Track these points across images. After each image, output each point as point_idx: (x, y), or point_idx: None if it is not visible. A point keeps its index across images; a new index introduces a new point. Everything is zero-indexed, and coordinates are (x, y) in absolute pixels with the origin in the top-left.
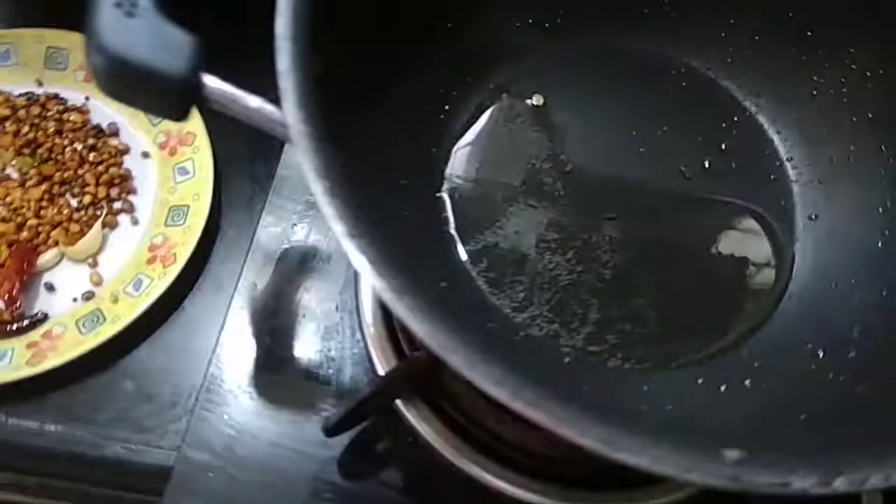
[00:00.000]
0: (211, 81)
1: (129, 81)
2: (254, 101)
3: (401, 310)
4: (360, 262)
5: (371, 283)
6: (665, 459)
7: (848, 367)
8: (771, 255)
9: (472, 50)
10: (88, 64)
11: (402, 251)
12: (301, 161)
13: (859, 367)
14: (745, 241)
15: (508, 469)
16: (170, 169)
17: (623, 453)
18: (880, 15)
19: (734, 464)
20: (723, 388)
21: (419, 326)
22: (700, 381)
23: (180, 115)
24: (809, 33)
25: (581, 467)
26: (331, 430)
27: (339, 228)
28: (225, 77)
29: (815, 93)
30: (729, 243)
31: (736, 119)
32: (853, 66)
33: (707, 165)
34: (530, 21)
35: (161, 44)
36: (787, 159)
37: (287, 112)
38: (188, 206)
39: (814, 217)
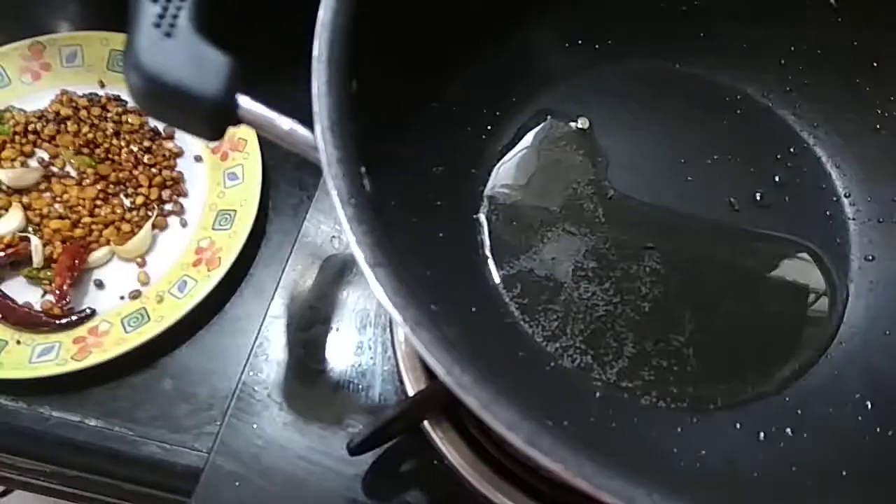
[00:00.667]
0: (245, 103)
1: (163, 101)
2: (286, 124)
3: (417, 343)
4: (378, 291)
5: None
6: None
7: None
8: (821, 296)
9: (517, 70)
10: (126, 82)
11: (431, 275)
12: (329, 185)
13: None
14: (794, 281)
15: (533, 499)
16: (220, 173)
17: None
18: None
19: None
20: (762, 435)
21: (433, 362)
22: (738, 425)
23: (215, 135)
24: (875, 64)
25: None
26: (354, 450)
27: (360, 256)
28: (264, 96)
29: (878, 127)
30: (777, 282)
31: (792, 150)
32: None
33: (758, 198)
34: (579, 42)
35: (197, 65)
36: (845, 195)
37: (317, 136)
38: (235, 211)
39: (870, 258)
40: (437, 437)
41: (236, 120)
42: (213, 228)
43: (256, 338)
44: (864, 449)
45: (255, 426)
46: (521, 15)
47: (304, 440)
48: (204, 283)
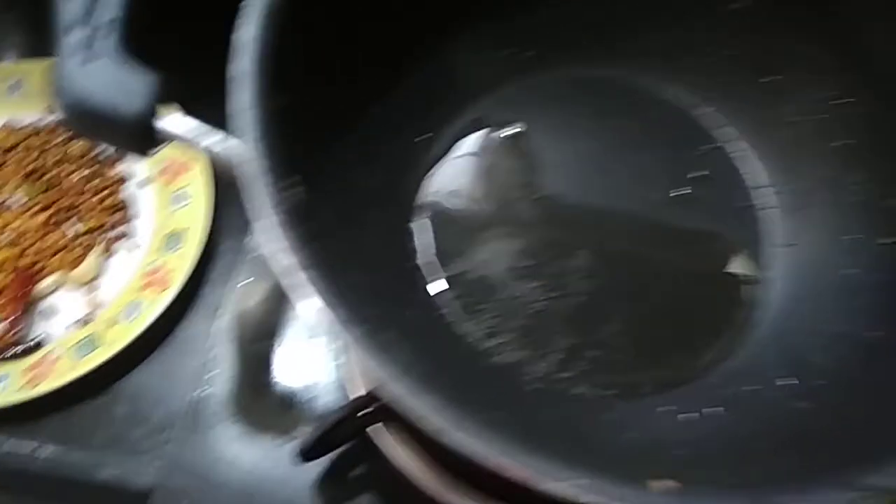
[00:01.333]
0: (170, 119)
1: (89, 123)
2: (210, 138)
3: (351, 341)
4: (313, 294)
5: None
6: (590, 488)
7: (815, 395)
8: (742, 282)
9: (450, 80)
10: (55, 106)
11: (367, 281)
12: (255, 194)
13: (826, 395)
14: (716, 269)
15: (483, 495)
16: (168, 196)
17: (549, 483)
18: (851, 42)
19: (661, 495)
20: (689, 416)
21: (358, 353)
22: (666, 408)
23: (144, 151)
24: (785, 61)
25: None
26: (304, 455)
27: (286, 261)
28: (203, 110)
29: (790, 120)
30: (700, 271)
31: (709, 146)
32: (827, 94)
33: (679, 194)
34: (508, 51)
35: (120, 86)
36: (761, 186)
37: (243, 148)
38: (184, 232)
39: (786, 244)
40: (384, 441)
41: (164, 136)
42: (163, 251)
43: (204, 355)
44: (786, 423)
45: (205, 442)
46: (452, 27)
47: (255, 453)
48: (154, 306)
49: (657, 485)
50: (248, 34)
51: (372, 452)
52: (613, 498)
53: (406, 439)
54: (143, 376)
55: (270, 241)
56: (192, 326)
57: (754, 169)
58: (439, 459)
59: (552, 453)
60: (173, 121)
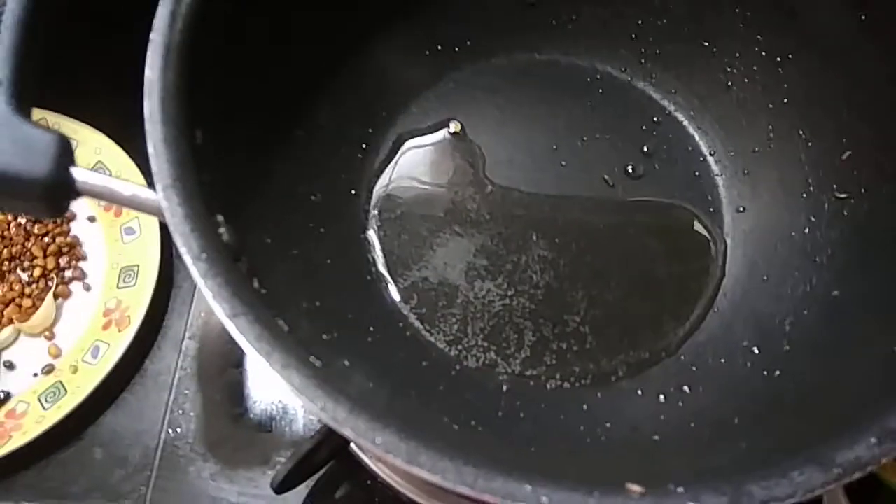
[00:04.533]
0: (81, 175)
1: None
2: (128, 189)
3: (288, 385)
4: (241, 340)
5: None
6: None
7: (781, 362)
8: (702, 253)
9: (383, 85)
10: None
11: (321, 305)
12: (177, 242)
13: (792, 361)
14: (675, 242)
15: (470, 501)
16: (117, 230)
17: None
18: (785, 2)
19: (637, 499)
20: (662, 397)
21: (306, 403)
22: (640, 392)
23: (55, 213)
24: (717, 25)
25: None
26: (279, 488)
27: (217, 309)
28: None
29: (729, 84)
30: (659, 246)
31: (655, 119)
32: (763, 53)
33: (630, 170)
34: (438, 48)
35: (22, 148)
36: (710, 154)
37: (160, 195)
38: (138, 266)
39: (741, 209)
40: (366, 456)
41: (76, 194)
42: (119, 287)
43: (171, 392)
44: (753, 393)
45: (182, 482)
46: (376, 32)
47: (234, 487)
48: (117, 345)
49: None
50: (148, 78)
51: (356, 469)
52: None
53: None
54: (115, 417)
55: (203, 288)
56: (159, 361)
57: (702, 137)
58: None
59: (523, 465)
60: (83, 177)
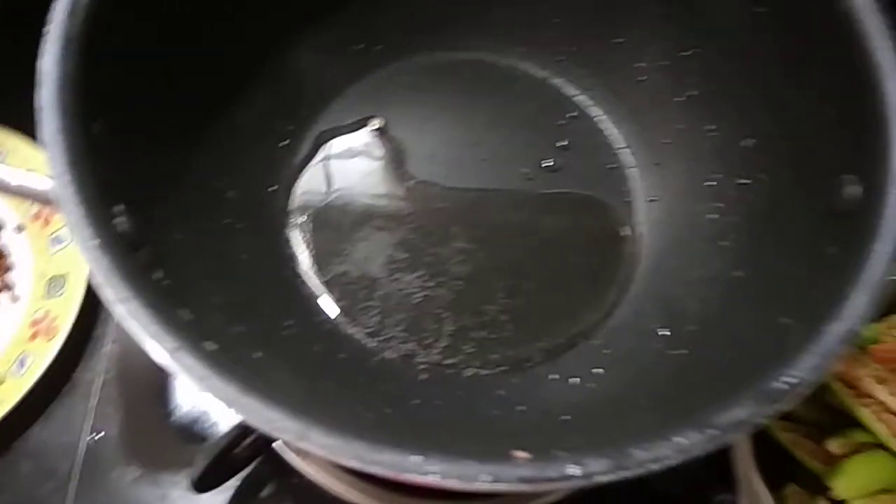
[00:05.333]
0: None
1: None
2: (16, 178)
3: (177, 367)
4: (131, 327)
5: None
6: (451, 472)
7: (686, 341)
8: (616, 242)
9: (305, 83)
10: None
11: (235, 299)
12: (70, 228)
13: (697, 340)
14: (590, 232)
15: (398, 493)
16: (45, 240)
17: (410, 474)
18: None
19: (522, 464)
20: (574, 380)
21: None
22: (553, 376)
23: None
24: (628, 22)
25: None
26: (198, 485)
27: (106, 294)
28: None
29: (640, 79)
30: (575, 235)
31: (571, 115)
32: (670, 49)
33: (548, 163)
34: (360, 46)
35: None
36: (624, 147)
37: (52, 182)
38: (67, 275)
39: (653, 199)
40: (291, 455)
41: None
42: (46, 297)
43: (92, 398)
44: (660, 373)
45: (105, 491)
46: (293, 32)
47: (158, 490)
48: (44, 356)
49: (520, 454)
50: (47, 63)
51: (281, 468)
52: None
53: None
54: (43, 429)
55: (94, 273)
56: (87, 370)
57: (614, 130)
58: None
59: (423, 443)
60: None
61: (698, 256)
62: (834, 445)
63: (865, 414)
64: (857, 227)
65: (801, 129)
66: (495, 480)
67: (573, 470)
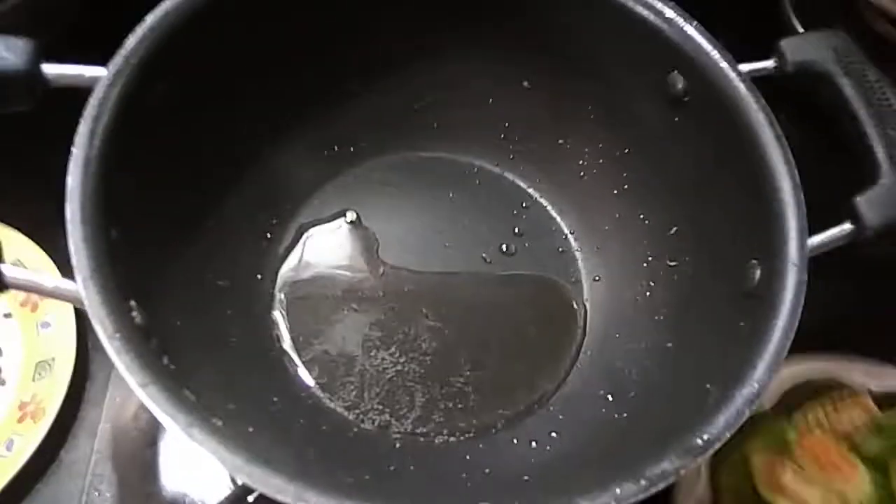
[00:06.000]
0: (9, 272)
1: None
2: (49, 282)
3: (194, 444)
4: (152, 406)
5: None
6: None
7: (628, 406)
8: (567, 317)
9: (287, 181)
10: None
11: (226, 379)
12: (95, 325)
13: (636, 404)
14: (544, 310)
15: None
16: (33, 325)
17: None
18: (618, 110)
19: None
20: (533, 444)
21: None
22: (515, 440)
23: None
24: (570, 127)
25: None
26: None
27: (129, 380)
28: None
29: (582, 174)
30: (531, 312)
31: (524, 205)
32: (606, 150)
33: (504, 249)
34: (336, 149)
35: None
36: (570, 232)
37: (79, 286)
38: (54, 359)
39: (597, 279)
40: None
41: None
42: (34, 380)
43: (86, 476)
44: (607, 434)
45: None
46: (278, 136)
47: None
48: (31, 437)
49: None
50: (69, 185)
51: None
52: None
53: None
54: None
55: (117, 363)
56: (77, 450)
57: (563, 218)
58: None
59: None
60: (10, 272)
61: (637, 329)
62: None
63: None
64: (763, 305)
65: (714, 220)
66: None
67: None
